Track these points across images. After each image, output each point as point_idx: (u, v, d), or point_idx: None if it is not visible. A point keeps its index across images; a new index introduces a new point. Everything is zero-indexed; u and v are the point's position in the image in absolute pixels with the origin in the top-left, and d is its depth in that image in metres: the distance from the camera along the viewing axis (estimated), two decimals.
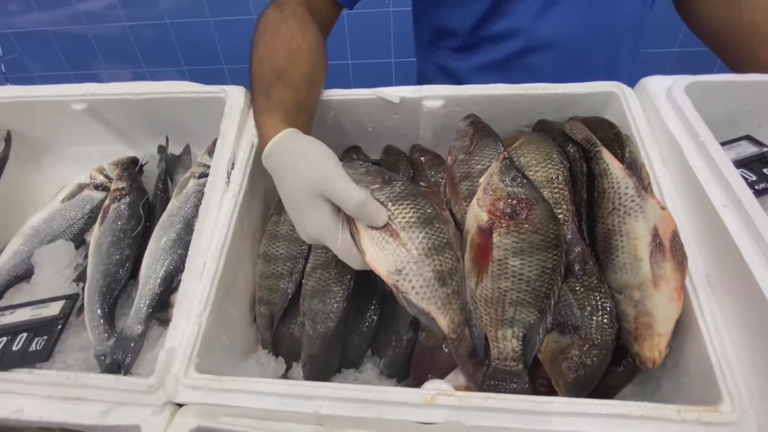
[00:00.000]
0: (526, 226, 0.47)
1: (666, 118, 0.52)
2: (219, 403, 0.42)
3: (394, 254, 0.41)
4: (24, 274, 0.63)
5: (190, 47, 1.70)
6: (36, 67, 1.85)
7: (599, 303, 0.45)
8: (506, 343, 0.48)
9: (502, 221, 0.48)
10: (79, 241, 0.66)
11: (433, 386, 0.41)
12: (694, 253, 0.43)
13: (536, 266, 0.46)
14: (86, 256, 0.60)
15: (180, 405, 0.45)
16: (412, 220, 0.42)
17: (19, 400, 0.46)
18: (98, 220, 0.62)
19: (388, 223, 0.42)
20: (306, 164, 0.43)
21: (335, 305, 0.47)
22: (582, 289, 0.46)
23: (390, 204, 0.43)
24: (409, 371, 0.51)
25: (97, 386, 0.46)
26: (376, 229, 0.42)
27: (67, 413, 0.46)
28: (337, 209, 0.43)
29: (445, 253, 0.42)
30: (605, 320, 0.44)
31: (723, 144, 0.49)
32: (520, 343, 0.47)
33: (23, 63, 1.83)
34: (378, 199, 0.43)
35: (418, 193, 0.45)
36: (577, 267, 0.47)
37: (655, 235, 0.40)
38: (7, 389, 0.47)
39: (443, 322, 0.41)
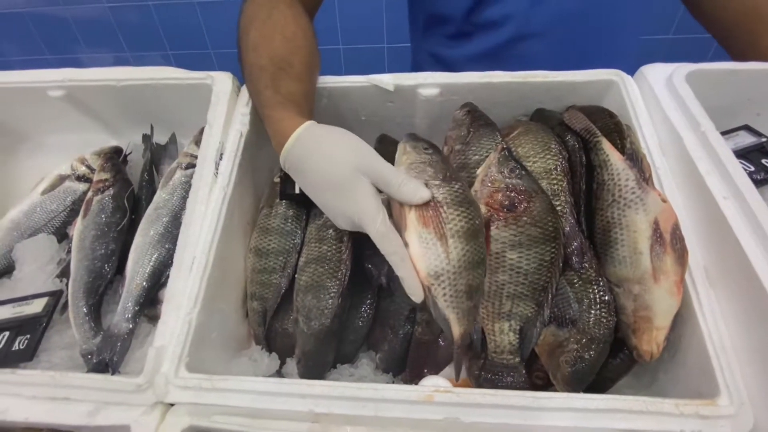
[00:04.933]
0: (525, 218, 0.46)
1: (666, 107, 0.51)
2: (211, 403, 0.40)
3: (437, 259, 0.42)
4: (4, 270, 0.61)
5: (175, 31, 1.63)
6: (12, 51, 1.77)
7: (597, 296, 0.44)
8: (503, 337, 0.47)
9: (500, 214, 0.47)
10: (62, 235, 0.63)
11: (431, 382, 0.41)
12: (692, 246, 0.42)
13: (534, 259, 0.46)
14: (69, 251, 0.58)
15: (171, 404, 0.44)
16: (463, 229, 0.43)
17: (3, 400, 0.45)
18: (81, 213, 0.60)
19: (440, 225, 0.42)
20: (344, 146, 0.44)
21: (330, 301, 0.46)
22: (580, 282, 0.46)
23: (446, 206, 0.43)
24: (405, 365, 0.50)
25: (84, 386, 0.44)
26: (427, 227, 0.42)
27: (54, 413, 0.44)
28: (376, 190, 0.43)
29: (479, 269, 0.43)
30: (603, 313, 0.43)
31: (721, 134, 0.48)
32: (517, 336, 0.47)
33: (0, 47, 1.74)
34: (436, 198, 0.43)
35: (471, 200, 0.45)
36: (575, 260, 0.46)
37: (656, 228, 0.40)
38: None
39: (457, 331, 0.42)
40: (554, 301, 0.46)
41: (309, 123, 0.46)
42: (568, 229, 0.47)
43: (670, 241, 0.39)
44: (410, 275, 0.41)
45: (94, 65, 0.64)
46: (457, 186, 0.45)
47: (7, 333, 0.49)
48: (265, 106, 0.50)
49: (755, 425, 0.35)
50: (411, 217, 0.43)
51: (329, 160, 0.43)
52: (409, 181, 0.44)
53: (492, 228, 0.47)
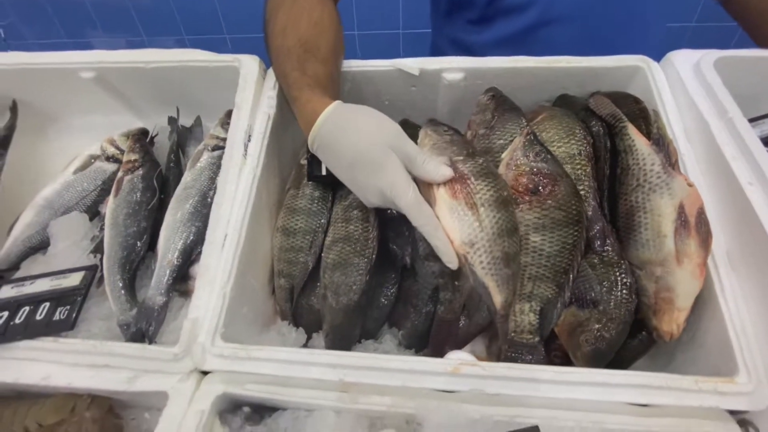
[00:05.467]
0: (549, 202, 0.47)
1: (693, 93, 0.51)
2: (246, 371, 0.42)
3: (470, 227, 0.43)
4: (39, 245, 0.63)
5: (190, 16, 1.64)
6: (32, 33, 1.78)
7: (619, 278, 0.45)
8: (523, 317, 0.49)
9: (525, 197, 0.48)
10: (93, 213, 0.65)
11: (456, 356, 0.42)
12: (716, 230, 0.43)
13: (557, 242, 0.47)
14: (102, 228, 0.60)
15: (205, 373, 0.46)
16: (492, 198, 0.44)
17: (46, 367, 0.47)
18: (112, 193, 0.62)
19: (469, 195, 0.44)
20: (373, 122, 0.46)
21: (358, 277, 0.47)
22: (602, 265, 0.47)
23: (473, 178, 0.45)
24: (427, 342, 0.52)
25: (123, 354, 0.47)
26: (456, 198, 0.44)
27: (94, 380, 0.47)
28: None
29: (513, 237, 0.44)
30: (624, 295, 0.44)
31: (748, 121, 0.48)
32: (537, 317, 0.48)
33: (19, 30, 1.76)
34: (462, 171, 0.45)
35: (496, 173, 0.47)
36: (597, 243, 0.47)
37: (681, 212, 0.41)
38: (34, 357, 0.48)
39: (498, 299, 0.43)
40: (576, 283, 0.47)
41: (337, 102, 0.47)
42: (590, 213, 0.48)
43: (695, 225, 0.40)
44: (444, 243, 0.42)
45: (109, 49, 0.65)
46: (481, 160, 0.47)
47: (47, 304, 0.51)
48: (293, 88, 0.51)
49: None
50: (440, 192, 0.44)
51: (359, 137, 0.44)
52: (432, 159, 0.45)
53: (516, 211, 0.48)
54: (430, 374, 0.40)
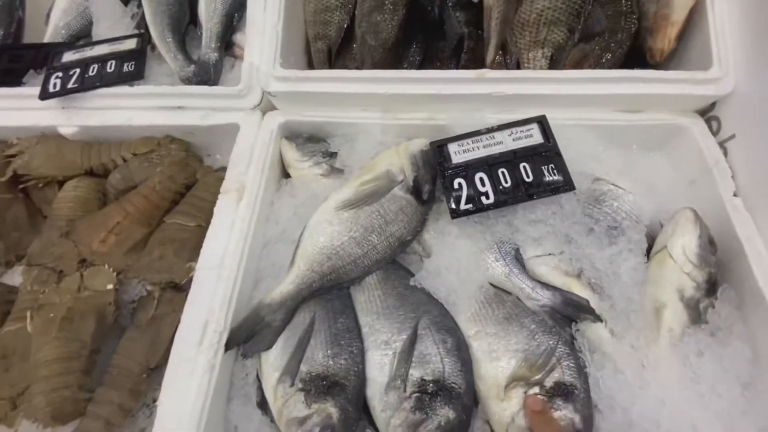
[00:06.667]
0: None
1: None
2: (306, 91, 0.51)
3: None
4: (79, 33, 0.67)
5: None
6: None
7: (624, 8, 0.51)
8: (536, 63, 0.55)
9: None
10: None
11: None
12: None
13: None
14: (139, 5, 0.63)
15: (264, 113, 0.55)
16: None
17: (127, 111, 0.55)
18: None
19: None
20: None
21: (395, 15, 0.53)
22: (611, 2, 0.52)
23: None
24: None
25: (194, 94, 0.54)
26: None
27: (172, 119, 0.55)
28: None
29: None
30: (627, 22, 0.51)
31: None
32: (548, 62, 0.55)
33: None
34: None
35: None
36: None
37: None
38: (115, 104, 0.55)
39: (490, 57, 0.52)
40: (585, 23, 0.53)
41: None
42: None
43: None
44: None
45: None
46: None
47: (113, 61, 0.57)
48: None
49: (735, 89, 0.46)
50: None
51: None
52: None
53: None
54: (459, 81, 0.48)
